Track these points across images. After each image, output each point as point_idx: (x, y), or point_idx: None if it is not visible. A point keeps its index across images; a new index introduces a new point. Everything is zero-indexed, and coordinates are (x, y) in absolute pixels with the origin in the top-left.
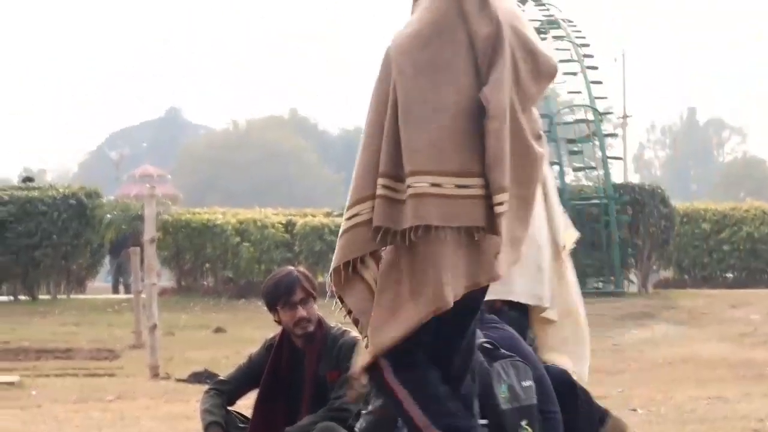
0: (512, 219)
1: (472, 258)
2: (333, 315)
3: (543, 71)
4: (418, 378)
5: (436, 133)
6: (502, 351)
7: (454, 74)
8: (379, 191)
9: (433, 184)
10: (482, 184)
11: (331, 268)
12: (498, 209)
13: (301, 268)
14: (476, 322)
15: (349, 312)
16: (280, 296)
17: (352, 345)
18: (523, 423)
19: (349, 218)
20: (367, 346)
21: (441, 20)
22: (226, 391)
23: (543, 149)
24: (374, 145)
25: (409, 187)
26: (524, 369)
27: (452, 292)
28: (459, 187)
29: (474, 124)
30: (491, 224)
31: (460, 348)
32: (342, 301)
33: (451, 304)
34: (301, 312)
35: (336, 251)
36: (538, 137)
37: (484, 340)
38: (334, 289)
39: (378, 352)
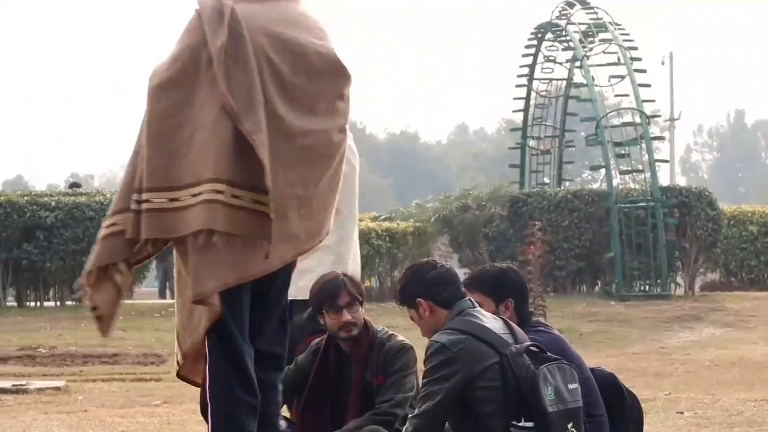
0: (300, 218)
1: (238, 255)
2: (378, 318)
3: (318, 68)
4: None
5: (176, 146)
6: (549, 354)
7: (196, 90)
8: (133, 206)
9: (171, 199)
10: (228, 192)
11: (85, 269)
12: (267, 210)
13: (349, 273)
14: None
15: (95, 308)
16: (325, 300)
17: (399, 349)
18: (569, 425)
19: (108, 226)
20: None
21: (190, 43)
22: None
23: (342, 142)
24: (134, 163)
25: (146, 201)
26: (570, 372)
27: (216, 282)
28: (209, 193)
29: (220, 133)
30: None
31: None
32: (91, 298)
33: (209, 294)
34: (346, 316)
35: (92, 255)
36: (340, 131)
37: (530, 343)
38: (86, 286)
39: (187, 353)
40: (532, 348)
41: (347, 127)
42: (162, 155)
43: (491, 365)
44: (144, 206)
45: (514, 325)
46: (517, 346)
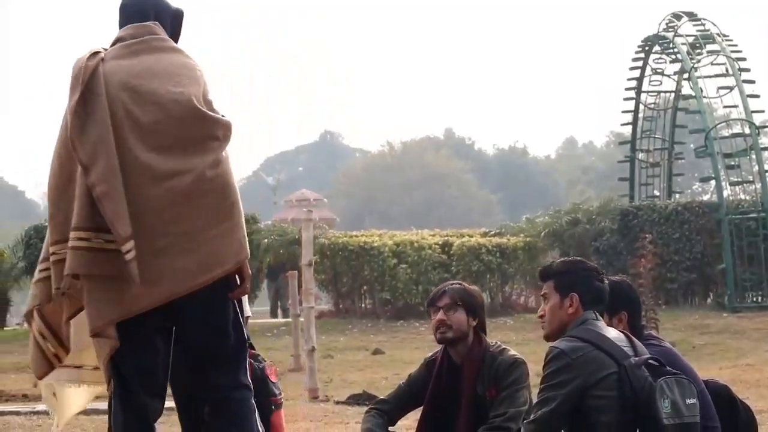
0: (184, 252)
1: (123, 292)
2: (490, 333)
3: (177, 115)
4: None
5: (68, 201)
6: (668, 368)
7: (66, 147)
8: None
9: (61, 250)
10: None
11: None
12: (127, 257)
13: (474, 286)
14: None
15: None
16: (430, 299)
17: (511, 362)
18: None
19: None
20: None
21: (67, 104)
22: (387, 410)
23: (217, 176)
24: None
25: (53, 254)
26: (689, 386)
27: (102, 320)
28: (84, 239)
29: (82, 183)
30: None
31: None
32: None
33: (99, 330)
34: (441, 315)
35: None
36: (211, 166)
37: (650, 356)
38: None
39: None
40: (651, 361)
41: (225, 159)
42: (58, 212)
43: (609, 375)
44: (52, 258)
45: (635, 339)
46: (637, 358)
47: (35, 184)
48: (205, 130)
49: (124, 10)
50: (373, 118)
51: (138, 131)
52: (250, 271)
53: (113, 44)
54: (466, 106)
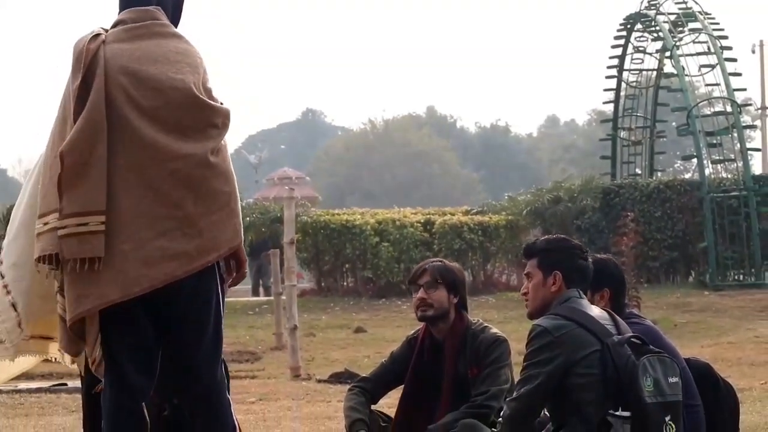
0: (184, 236)
1: (118, 273)
2: (471, 312)
3: (176, 101)
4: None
5: (48, 180)
6: (650, 347)
7: (66, 129)
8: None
9: (44, 224)
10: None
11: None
12: (59, 233)
13: (455, 263)
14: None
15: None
16: (411, 277)
17: (493, 341)
18: (667, 418)
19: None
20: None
21: (67, 87)
22: (369, 389)
23: (218, 163)
24: None
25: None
26: (671, 365)
27: (101, 300)
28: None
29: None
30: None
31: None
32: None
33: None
34: (422, 293)
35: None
36: (212, 153)
37: (633, 334)
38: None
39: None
40: (634, 339)
41: (224, 147)
42: (43, 187)
43: (592, 353)
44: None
45: (618, 317)
46: (619, 336)
47: (17, 161)
48: (204, 118)
49: None
50: (355, 95)
51: (140, 113)
52: (245, 257)
53: (114, 26)
54: (448, 83)
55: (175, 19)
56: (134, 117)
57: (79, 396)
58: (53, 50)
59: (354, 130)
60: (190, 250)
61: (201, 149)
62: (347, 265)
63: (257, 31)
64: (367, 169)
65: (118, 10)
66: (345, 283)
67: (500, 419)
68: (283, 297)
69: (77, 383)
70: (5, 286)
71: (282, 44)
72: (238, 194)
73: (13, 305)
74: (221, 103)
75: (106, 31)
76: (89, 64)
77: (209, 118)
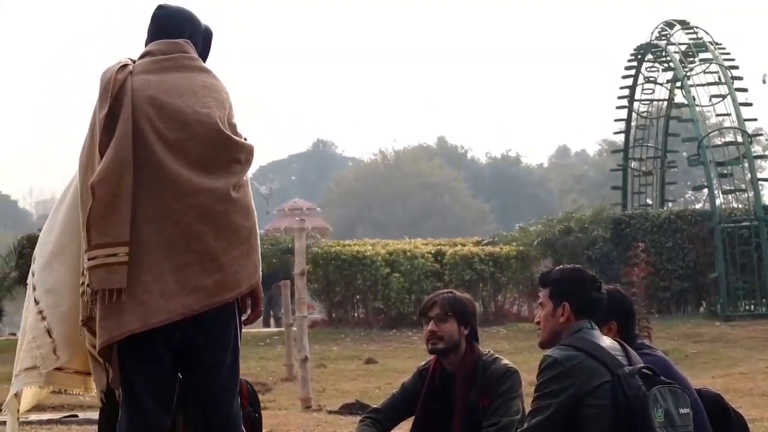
0: (204, 271)
1: (138, 305)
2: (482, 342)
3: (201, 136)
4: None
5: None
6: (662, 378)
7: (95, 159)
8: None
9: (90, 258)
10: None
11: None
12: (88, 264)
13: (465, 294)
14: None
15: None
16: (421, 309)
17: (504, 372)
18: None
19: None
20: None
21: (94, 115)
22: (380, 420)
23: (239, 198)
24: None
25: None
26: (682, 396)
27: (120, 330)
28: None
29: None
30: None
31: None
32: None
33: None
34: (432, 326)
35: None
36: (234, 188)
37: (644, 365)
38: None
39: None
40: (644, 370)
41: (246, 183)
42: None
43: (602, 384)
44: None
45: (630, 348)
46: (630, 367)
47: (28, 192)
48: (228, 154)
49: (157, 20)
50: (366, 126)
51: (165, 145)
52: (262, 296)
53: (141, 57)
54: (459, 114)
55: (204, 54)
56: (159, 149)
57: (89, 427)
58: (63, 71)
59: (365, 161)
60: (209, 285)
61: (223, 184)
62: (358, 296)
63: (266, 61)
64: (377, 199)
65: (145, 42)
66: (356, 314)
67: None
68: (294, 328)
69: (88, 415)
70: (40, 312)
71: (293, 74)
72: (258, 230)
73: (48, 331)
74: (245, 139)
75: (134, 61)
76: (116, 94)
77: (233, 154)
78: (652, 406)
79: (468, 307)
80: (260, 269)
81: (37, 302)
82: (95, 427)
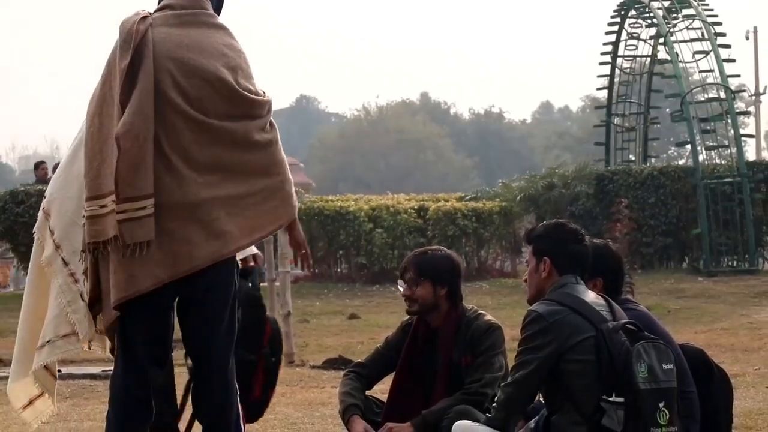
0: (227, 216)
1: (166, 254)
2: (465, 298)
3: (221, 93)
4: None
5: (105, 158)
6: (645, 333)
7: (111, 107)
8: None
9: (101, 206)
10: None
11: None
12: (118, 217)
13: (446, 252)
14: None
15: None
16: (399, 270)
17: (486, 328)
18: (661, 405)
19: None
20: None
21: (109, 62)
22: (364, 374)
23: (267, 144)
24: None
25: (85, 210)
26: (666, 351)
27: (153, 280)
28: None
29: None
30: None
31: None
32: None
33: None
34: (406, 290)
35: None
36: (260, 131)
37: (628, 320)
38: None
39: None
40: (629, 325)
41: (270, 130)
42: (93, 169)
43: (586, 339)
44: (85, 214)
45: (615, 304)
46: (614, 322)
47: (11, 147)
48: (247, 111)
49: None
50: (350, 82)
51: (185, 99)
52: (302, 238)
53: (160, 9)
54: (441, 70)
55: (218, 8)
56: (180, 102)
57: (72, 382)
58: (50, 31)
59: (348, 117)
60: (232, 230)
61: (248, 127)
62: (341, 252)
63: (250, 17)
64: (360, 155)
65: None
66: (339, 270)
67: (494, 404)
68: (277, 283)
69: (71, 369)
70: (72, 274)
71: (275, 29)
72: (286, 175)
73: (82, 295)
74: (263, 93)
75: (151, 13)
76: (137, 45)
77: (252, 110)
78: (636, 362)
79: (444, 267)
80: (289, 212)
81: (66, 263)
82: None
